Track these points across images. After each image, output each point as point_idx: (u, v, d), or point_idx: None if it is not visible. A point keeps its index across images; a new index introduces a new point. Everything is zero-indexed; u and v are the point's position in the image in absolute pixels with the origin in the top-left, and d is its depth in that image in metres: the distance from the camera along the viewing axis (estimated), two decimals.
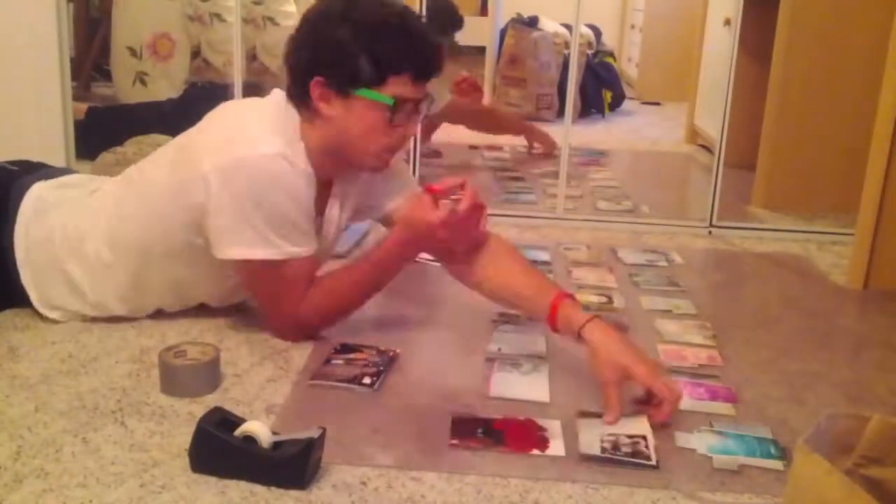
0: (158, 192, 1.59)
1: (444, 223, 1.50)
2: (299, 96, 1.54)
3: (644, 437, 1.33)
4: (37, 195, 1.68)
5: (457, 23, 3.21)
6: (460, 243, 1.59)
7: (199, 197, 1.51)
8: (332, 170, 1.61)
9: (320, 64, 1.50)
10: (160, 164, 1.64)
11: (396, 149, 1.60)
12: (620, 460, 1.27)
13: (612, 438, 1.33)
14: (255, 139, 1.51)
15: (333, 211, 1.66)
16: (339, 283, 1.61)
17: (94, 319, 1.67)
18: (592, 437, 1.33)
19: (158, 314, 1.70)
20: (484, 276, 1.64)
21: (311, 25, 1.54)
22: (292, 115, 1.56)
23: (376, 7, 1.52)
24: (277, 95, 1.60)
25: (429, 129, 3.11)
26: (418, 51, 1.51)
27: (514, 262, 1.65)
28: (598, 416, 1.38)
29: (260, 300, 1.64)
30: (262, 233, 1.50)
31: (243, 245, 1.51)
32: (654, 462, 1.27)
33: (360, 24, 1.48)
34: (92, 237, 1.63)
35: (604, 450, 1.30)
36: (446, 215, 1.50)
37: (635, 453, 1.29)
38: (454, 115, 3.26)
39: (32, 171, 1.77)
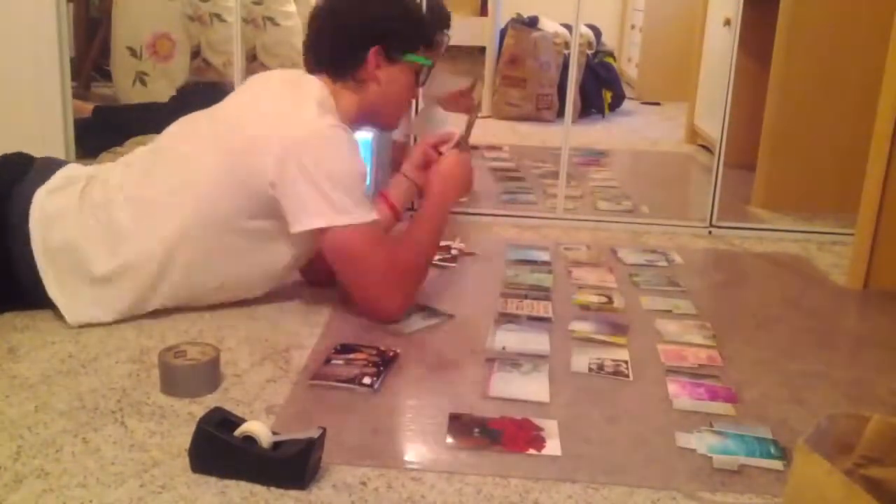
0: (210, 179, 1.62)
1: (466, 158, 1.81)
2: (349, 67, 1.70)
3: (626, 361, 1.60)
4: (41, 204, 1.64)
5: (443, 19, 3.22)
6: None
7: (268, 176, 1.57)
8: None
9: (376, 33, 1.70)
10: (203, 149, 1.65)
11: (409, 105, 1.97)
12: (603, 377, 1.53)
13: (598, 361, 1.59)
14: (314, 113, 1.61)
15: None
16: (414, 240, 1.72)
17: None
18: (582, 360, 1.59)
19: (157, 313, 1.70)
20: None
21: (345, 10, 1.72)
22: (323, 91, 1.68)
23: None
24: (303, 77, 1.72)
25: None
26: (443, 15, 1.97)
27: None
28: (590, 341, 1.64)
29: (350, 274, 1.67)
30: (339, 200, 1.57)
31: (325, 214, 1.57)
32: (630, 378, 1.54)
33: (392, 2, 1.73)
34: (131, 236, 1.62)
35: (591, 369, 1.56)
36: (463, 153, 1.81)
37: (616, 372, 1.56)
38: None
39: (29, 169, 1.73)
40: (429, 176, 1.81)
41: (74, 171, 1.75)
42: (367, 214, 1.61)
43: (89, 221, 1.62)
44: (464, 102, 2.33)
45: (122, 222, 1.62)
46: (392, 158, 2.58)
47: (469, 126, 1.86)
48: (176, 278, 1.65)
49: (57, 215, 1.62)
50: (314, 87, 1.69)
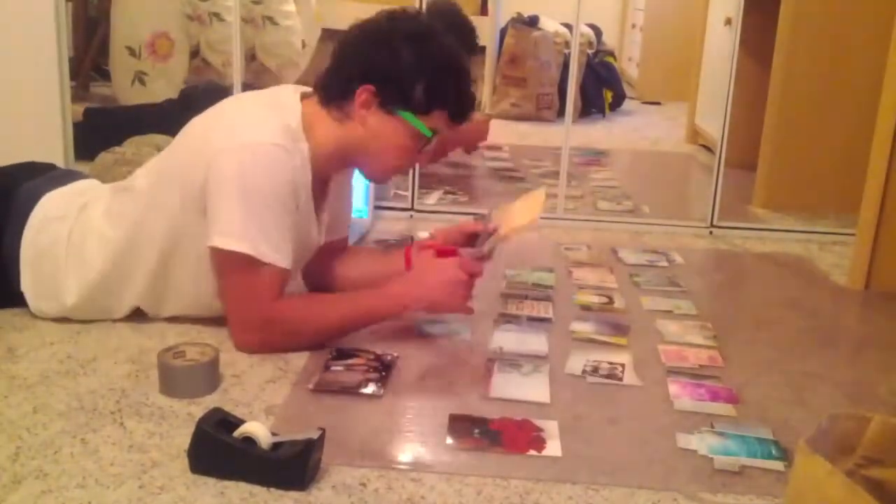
0: (165, 180, 1.58)
1: (461, 264, 1.57)
2: (338, 94, 1.57)
3: (622, 364, 1.58)
4: (48, 204, 1.65)
5: (474, 47, 3.14)
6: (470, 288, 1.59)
7: (199, 177, 1.51)
8: (331, 170, 1.64)
9: (377, 74, 1.54)
10: (162, 157, 1.65)
11: (405, 170, 1.66)
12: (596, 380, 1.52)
13: (594, 363, 1.57)
14: (269, 129, 1.51)
15: (324, 215, 1.68)
16: (325, 312, 1.59)
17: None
18: (578, 362, 1.57)
19: None
20: (349, 274, 1.78)
21: (380, 35, 1.56)
22: (297, 113, 1.57)
23: (447, 44, 1.58)
24: (287, 93, 1.61)
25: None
26: (466, 96, 1.61)
27: (360, 251, 1.86)
28: (591, 341, 1.63)
29: (228, 300, 1.57)
30: (247, 226, 1.48)
31: (226, 234, 1.49)
32: (623, 381, 1.51)
33: (428, 54, 1.55)
34: (100, 248, 1.61)
35: (584, 371, 1.54)
36: (468, 264, 1.57)
37: (610, 375, 1.54)
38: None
39: (38, 174, 1.75)
40: (415, 262, 1.64)
41: (87, 185, 1.77)
42: (271, 253, 1.49)
43: (72, 246, 1.62)
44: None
45: (93, 258, 1.61)
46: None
47: (497, 240, 1.62)
48: (144, 297, 1.64)
49: (53, 219, 1.63)
50: (292, 110, 1.56)
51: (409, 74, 1.54)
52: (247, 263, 1.49)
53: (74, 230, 1.62)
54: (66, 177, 1.79)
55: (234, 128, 1.53)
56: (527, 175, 3.14)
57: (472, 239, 1.68)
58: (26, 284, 1.63)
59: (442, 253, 1.62)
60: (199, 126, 1.61)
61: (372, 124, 1.56)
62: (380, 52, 1.55)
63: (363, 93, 1.54)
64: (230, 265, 1.51)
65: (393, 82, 1.54)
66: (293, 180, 1.52)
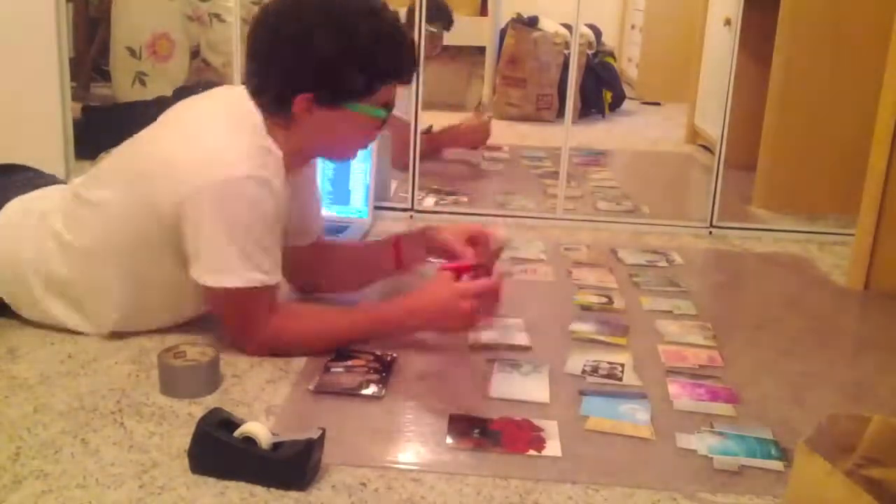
0: (132, 206, 1.50)
1: (468, 294, 1.52)
2: (275, 106, 1.49)
3: (622, 364, 1.57)
4: (9, 212, 1.63)
5: (444, 17, 3.27)
6: (481, 315, 1.56)
7: (171, 211, 1.45)
8: (295, 168, 1.57)
9: (305, 80, 1.46)
10: (113, 186, 1.55)
11: (371, 141, 1.64)
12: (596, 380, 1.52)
13: (593, 363, 1.57)
14: (231, 160, 1.44)
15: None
16: (329, 326, 1.58)
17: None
18: (577, 362, 1.58)
19: None
20: (335, 273, 1.78)
21: (290, 34, 1.46)
22: (259, 120, 1.50)
23: (361, 12, 1.46)
24: (241, 97, 1.52)
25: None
26: (405, 59, 1.51)
27: (344, 248, 1.86)
28: (591, 341, 1.64)
29: (226, 327, 1.56)
30: (234, 260, 1.45)
31: (214, 272, 1.46)
32: (622, 381, 1.51)
33: (349, 37, 1.44)
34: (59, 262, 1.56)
35: (584, 371, 1.54)
36: (473, 288, 1.53)
37: (610, 375, 1.53)
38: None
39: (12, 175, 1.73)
40: (427, 283, 1.58)
41: (50, 191, 1.70)
42: (260, 276, 1.47)
43: (37, 252, 1.58)
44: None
45: (58, 266, 1.57)
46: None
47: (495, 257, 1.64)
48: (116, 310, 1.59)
49: (15, 226, 1.61)
50: (254, 119, 1.49)
51: (338, 68, 1.45)
52: (240, 294, 1.47)
53: (37, 234, 1.58)
54: (31, 182, 1.73)
55: (207, 159, 1.44)
56: (527, 175, 3.14)
57: (473, 243, 1.65)
58: (3, 292, 1.62)
59: (459, 269, 1.59)
60: (165, 154, 1.49)
61: (320, 122, 1.49)
62: (298, 54, 1.45)
63: (301, 102, 1.47)
64: (223, 299, 1.50)
65: (325, 82, 1.46)
66: (274, 203, 1.47)
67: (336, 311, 1.66)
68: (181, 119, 1.57)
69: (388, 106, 1.53)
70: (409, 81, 1.54)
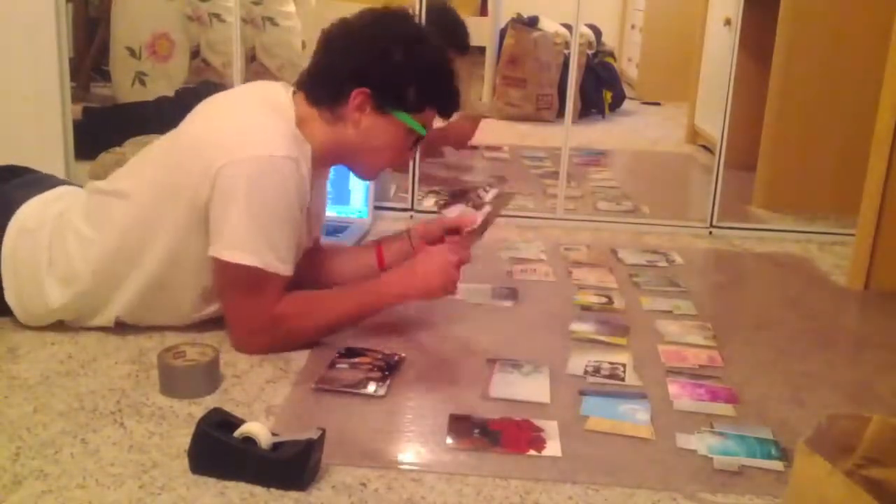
0: (168, 196, 1.53)
1: (457, 263, 1.59)
2: (330, 97, 1.56)
3: (623, 365, 1.58)
4: (24, 214, 1.62)
5: (460, 39, 3.14)
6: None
7: (206, 193, 1.48)
8: (321, 169, 1.64)
9: (371, 77, 1.55)
10: (143, 175, 1.58)
11: (395, 166, 1.71)
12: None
13: (595, 364, 1.58)
14: (267, 140, 1.50)
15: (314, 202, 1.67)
16: (325, 309, 1.59)
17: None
18: (579, 362, 1.58)
19: None
20: (336, 274, 1.78)
21: (369, 37, 1.57)
22: (292, 113, 1.56)
23: (435, 44, 1.61)
24: (278, 91, 1.60)
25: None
26: (454, 93, 1.63)
27: (338, 250, 1.87)
28: (591, 341, 1.65)
29: (231, 308, 1.57)
30: (255, 239, 1.48)
31: (234, 248, 1.48)
32: (624, 381, 1.52)
33: (419, 55, 1.57)
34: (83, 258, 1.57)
35: (586, 372, 1.55)
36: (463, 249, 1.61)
37: (612, 375, 1.54)
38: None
39: (13, 177, 1.72)
40: (412, 257, 1.65)
41: (64, 190, 1.71)
42: (276, 263, 1.50)
43: (53, 251, 1.58)
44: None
45: (75, 260, 1.57)
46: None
47: (486, 224, 1.67)
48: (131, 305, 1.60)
49: (31, 231, 1.59)
50: (288, 111, 1.56)
51: (402, 76, 1.56)
52: (253, 275, 1.49)
53: (54, 236, 1.58)
54: (41, 182, 1.73)
55: (243, 136, 1.51)
56: (526, 175, 3.14)
57: (452, 233, 1.70)
58: (10, 295, 1.60)
59: (450, 230, 1.69)
60: (199, 133, 1.56)
61: (366, 125, 1.57)
62: (371, 54, 1.55)
63: (359, 95, 1.54)
64: (236, 277, 1.51)
65: (387, 84, 1.55)
66: (301, 190, 1.53)
67: (335, 295, 1.65)
68: (216, 105, 1.63)
69: (427, 128, 1.62)
70: (447, 115, 1.68)
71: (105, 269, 1.57)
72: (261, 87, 1.68)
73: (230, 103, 1.64)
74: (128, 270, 1.57)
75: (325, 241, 1.91)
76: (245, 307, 1.54)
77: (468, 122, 3.20)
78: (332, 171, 2.18)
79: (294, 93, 1.61)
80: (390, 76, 1.56)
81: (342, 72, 1.56)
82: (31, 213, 1.62)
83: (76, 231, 1.58)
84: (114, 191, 1.61)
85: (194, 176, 1.50)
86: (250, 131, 1.52)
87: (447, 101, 1.63)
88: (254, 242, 1.48)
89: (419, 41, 1.59)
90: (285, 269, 1.52)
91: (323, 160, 1.61)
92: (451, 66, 1.63)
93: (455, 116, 3.00)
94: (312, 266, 1.78)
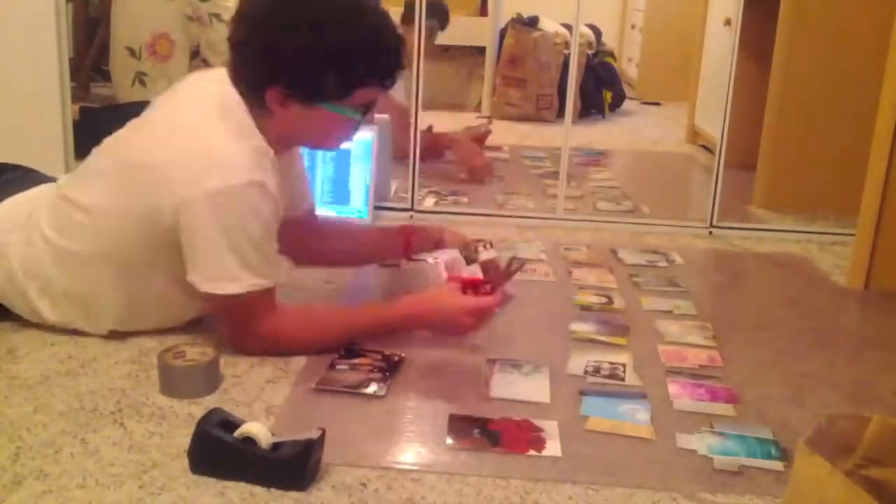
0: (112, 222, 1.49)
1: (471, 311, 1.56)
2: (252, 95, 1.47)
3: (624, 365, 1.58)
4: (2, 211, 1.61)
5: (441, 15, 3.27)
6: (477, 329, 1.61)
7: (166, 218, 1.44)
8: (280, 151, 1.54)
9: (280, 72, 1.44)
10: (106, 191, 1.51)
11: (350, 137, 1.62)
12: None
13: (595, 364, 1.58)
14: (231, 166, 1.42)
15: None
16: (328, 325, 1.59)
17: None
18: (579, 362, 1.58)
19: None
20: (338, 250, 1.80)
21: (267, 28, 1.43)
22: (244, 110, 1.48)
23: (335, 15, 1.43)
24: (222, 88, 1.49)
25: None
26: (388, 61, 1.48)
27: (347, 229, 1.88)
28: (591, 341, 1.65)
29: (227, 330, 1.55)
30: (233, 267, 1.44)
31: (214, 279, 1.46)
32: (624, 381, 1.52)
33: (331, 35, 1.41)
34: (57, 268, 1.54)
35: (586, 372, 1.55)
36: (477, 305, 1.56)
37: (612, 375, 1.54)
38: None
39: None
40: (428, 295, 1.61)
41: (40, 191, 1.68)
42: (259, 280, 1.46)
43: (26, 256, 1.56)
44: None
45: (50, 269, 1.55)
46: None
47: (508, 275, 1.68)
48: (120, 310, 1.58)
49: (2, 231, 1.58)
50: (239, 110, 1.47)
51: (315, 66, 1.43)
52: (239, 301, 1.47)
53: (25, 239, 1.56)
54: (20, 182, 1.71)
55: (206, 165, 1.42)
56: (526, 175, 3.14)
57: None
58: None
59: (467, 283, 1.62)
60: (158, 160, 1.46)
61: (295, 116, 1.48)
62: (270, 51, 1.43)
63: (272, 94, 1.46)
64: (223, 305, 1.50)
65: (300, 78, 1.44)
66: (273, 206, 1.47)
67: (335, 311, 1.67)
68: (173, 123, 1.52)
69: (369, 106, 1.53)
70: (389, 87, 1.52)
71: (82, 276, 1.54)
72: (213, 87, 1.52)
73: (187, 116, 1.51)
74: (99, 279, 1.54)
75: (324, 216, 1.91)
76: (239, 328, 1.54)
77: (484, 164, 3.10)
78: (332, 171, 2.18)
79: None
80: (294, 72, 1.43)
81: (251, 70, 1.47)
82: (5, 212, 1.61)
83: (46, 238, 1.55)
84: (75, 201, 1.54)
85: (159, 208, 1.44)
86: (212, 157, 1.43)
87: (380, 75, 1.47)
88: (233, 270, 1.45)
89: (318, 22, 1.41)
90: (269, 280, 1.49)
91: (279, 146, 1.52)
92: (368, 33, 1.44)
93: (457, 150, 2.98)
94: (311, 240, 1.78)
